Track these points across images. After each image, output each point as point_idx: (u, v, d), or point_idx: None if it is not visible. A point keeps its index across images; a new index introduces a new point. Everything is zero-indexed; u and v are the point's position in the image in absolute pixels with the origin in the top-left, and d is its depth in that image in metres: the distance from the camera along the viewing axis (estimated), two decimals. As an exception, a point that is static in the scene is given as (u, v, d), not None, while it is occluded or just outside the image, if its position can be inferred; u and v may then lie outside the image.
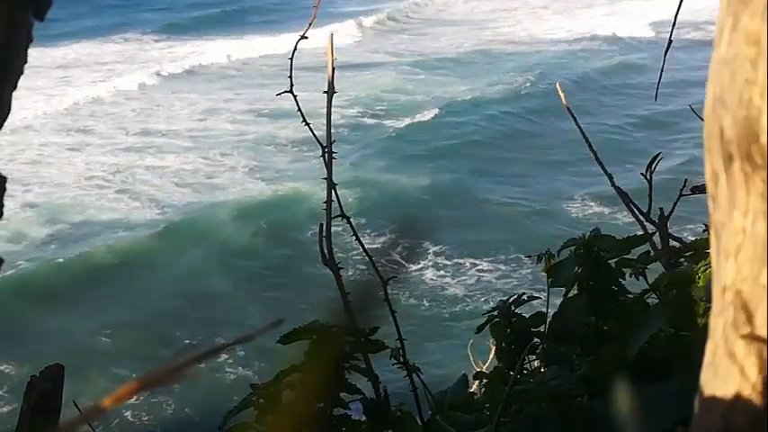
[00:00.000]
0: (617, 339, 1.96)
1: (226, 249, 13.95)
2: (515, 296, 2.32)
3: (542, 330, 2.26)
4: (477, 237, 13.65)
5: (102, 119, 21.19)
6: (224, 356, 10.61)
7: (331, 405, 1.82)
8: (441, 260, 13.05)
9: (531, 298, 2.33)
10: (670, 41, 2.43)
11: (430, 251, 13.12)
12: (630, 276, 2.08)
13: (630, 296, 2.05)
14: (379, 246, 12.55)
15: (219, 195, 16.19)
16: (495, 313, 2.29)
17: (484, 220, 14.39)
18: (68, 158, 18.50)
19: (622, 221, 12.31)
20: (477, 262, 13.02)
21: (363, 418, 1.97)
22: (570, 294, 2.09)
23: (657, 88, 2.77)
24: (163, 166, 17.68)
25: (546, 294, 2.37)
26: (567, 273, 2.07)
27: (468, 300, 12.03)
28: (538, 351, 2.24)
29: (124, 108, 21.98)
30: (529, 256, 2.58)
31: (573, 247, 2.09)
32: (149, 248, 13.94)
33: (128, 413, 9.96)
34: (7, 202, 0.69)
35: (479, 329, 2.33)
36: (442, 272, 12.75)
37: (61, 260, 13.58)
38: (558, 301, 2.15)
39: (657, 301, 1.97)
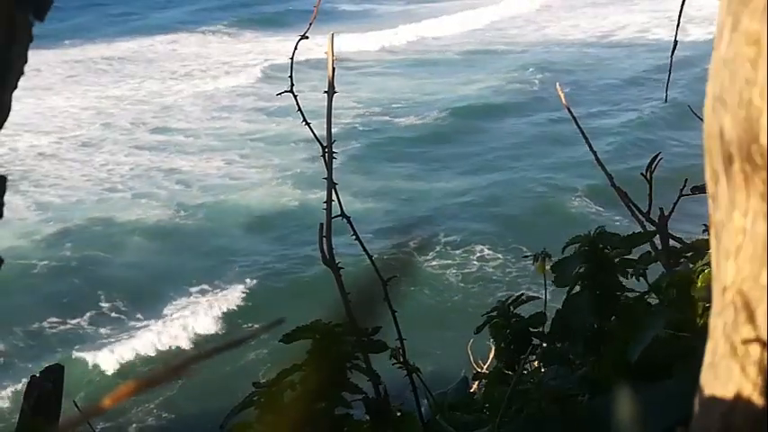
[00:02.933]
0: (618, 339, 1.96)
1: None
2: (514, 296, 2.32)
3: (542, 331, 2.26)
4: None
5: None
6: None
7: (333, 404, 1.81)
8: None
9: (530, 298, 2.33)
10: (675, 42, 2.42)
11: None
12: (631, 277, 2.08)
13: (632, 295, 2.05)
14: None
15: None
16: (495, 314, 2.29)
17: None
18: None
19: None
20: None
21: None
22: (573, 292, 2.08)
23: (666, 90, 2.76)
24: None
25: (544, 294, 2.37)
26: (570, 270, 2.06)
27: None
28: (538, 351, 2.24)
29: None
30: (526, 256, 2.58)
31: (576, 245, 2.08)
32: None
33: (132, 410, 9.99)
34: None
35: (478, 330, 2.33)
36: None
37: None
38: (557, 301, 2.15)
39: (657, 301, 1.96)
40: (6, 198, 0.66)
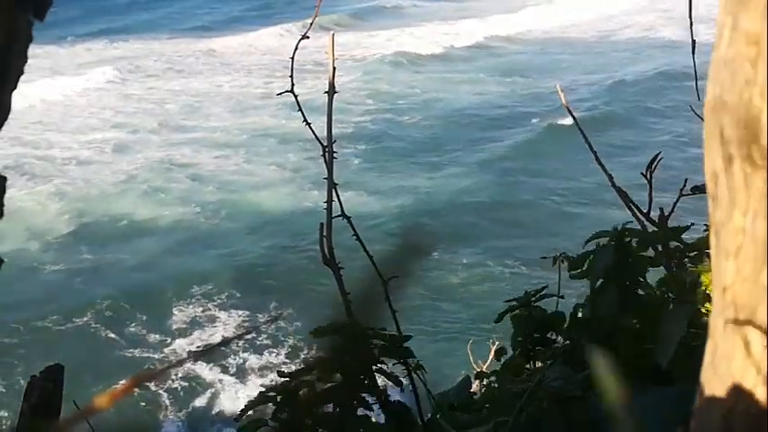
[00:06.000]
0: (639, 338, 1.93)
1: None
2: (537, 290, 2.32)
3: (563, 328, 2.25)
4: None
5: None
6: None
7: (356, 405, 1.81)
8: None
9: (552, 294, 2.33)
10: (694, 41, 2.42)
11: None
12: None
13: (654, 292, 2.03)
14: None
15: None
16: (516, 304, 2.29)
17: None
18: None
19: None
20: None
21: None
22: (598, 286, 2.06)
23: (696, 88, 2.68)
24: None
25: (557, 293, 2.37)
26: (600, 264, 2.03)
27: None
28: (553, 349, 2.24)
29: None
30: (544, 257, 2.57)
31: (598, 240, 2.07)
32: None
33: (143, 403, 10.00)
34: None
35: (500, 318, 2.33)
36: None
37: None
38: (569, 300, 2.14)
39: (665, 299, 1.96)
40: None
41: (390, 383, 1.98)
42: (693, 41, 2.41)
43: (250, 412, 1.87)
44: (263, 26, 32.74)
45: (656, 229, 2.28)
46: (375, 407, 1.91)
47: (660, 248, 2.20)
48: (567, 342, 2.17)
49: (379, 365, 1.87)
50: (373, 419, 1.95)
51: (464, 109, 21.67)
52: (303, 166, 17.53)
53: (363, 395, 1.82)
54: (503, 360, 2.43)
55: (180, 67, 27.85)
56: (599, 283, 2.03)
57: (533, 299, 2.28)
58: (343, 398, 1.77)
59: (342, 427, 1.77)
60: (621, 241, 2.02)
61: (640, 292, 2.03)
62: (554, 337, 2.25)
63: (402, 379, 2.01)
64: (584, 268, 2.07)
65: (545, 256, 2.53)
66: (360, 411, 1.84)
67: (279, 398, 1.80)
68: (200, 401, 10.39)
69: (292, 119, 19.98)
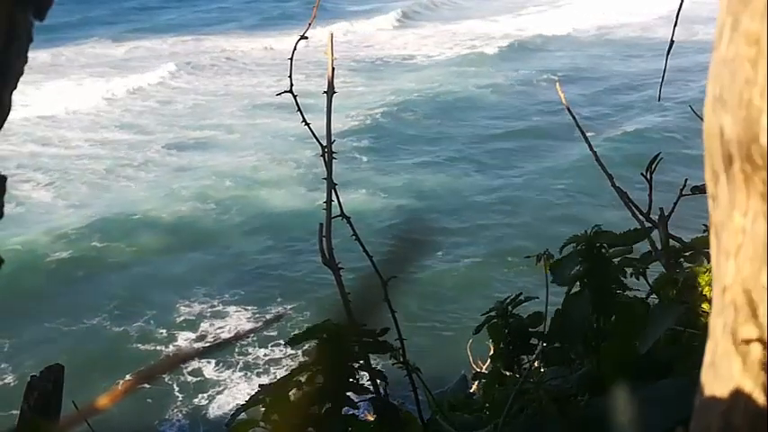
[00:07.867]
0: (618, 338, 1.95)
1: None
2: (512, 296, 2.31)
3: (541, 330, 2.25)
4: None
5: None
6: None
7: (339, 405, 1.81)
8: None
9: (528, 298, 2.32)
10: (672, 42, 2.42)
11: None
12: (631, 276, 2.07)
13: (632, 294, 2.04)
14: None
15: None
16: (493, 314, 2.28)
17: None
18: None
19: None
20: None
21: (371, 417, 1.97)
22: (572, 292, 2.07)
23: (660, 89, 2.75)
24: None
25: (546, 294, 2.37)
26: (568, 270, 2.04)
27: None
28: (536, 351, 2.24)
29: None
30: (528, 257, 2.57)
31: (574, 245, 2.07)
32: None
33: (139, 407, 10.00)
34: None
35: (477, 330, 2.32)
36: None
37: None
38: (558, 300, 2.14)
39: (658, 301, 1.96)
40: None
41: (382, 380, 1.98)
42: (672, 42, 2.41)
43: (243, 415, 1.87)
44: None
45: (651, 226, 2.28)
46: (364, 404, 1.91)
47: (660, 247, 2.20)
48: (545, 344, 2.17)
49: (360, 363, 1.86)
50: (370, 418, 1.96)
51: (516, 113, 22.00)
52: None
53: (347, 394, 1.82)
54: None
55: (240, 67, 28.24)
56: (574, 287, 2.04)
57: (509, 307, 2.27)
58: (326, 398, 1.76)
59: (329, 427, 1.77)
60: (592, 246, 2.02)
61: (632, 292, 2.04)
62: (538, 341, 2.24)
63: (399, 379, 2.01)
64: (556, 275, 2.07)
65: (528, 255, 2.51)
66: (347, 410, 1.85)
67: (268, 400, 1.80)
68: (201, 399, 10.41)
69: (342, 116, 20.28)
